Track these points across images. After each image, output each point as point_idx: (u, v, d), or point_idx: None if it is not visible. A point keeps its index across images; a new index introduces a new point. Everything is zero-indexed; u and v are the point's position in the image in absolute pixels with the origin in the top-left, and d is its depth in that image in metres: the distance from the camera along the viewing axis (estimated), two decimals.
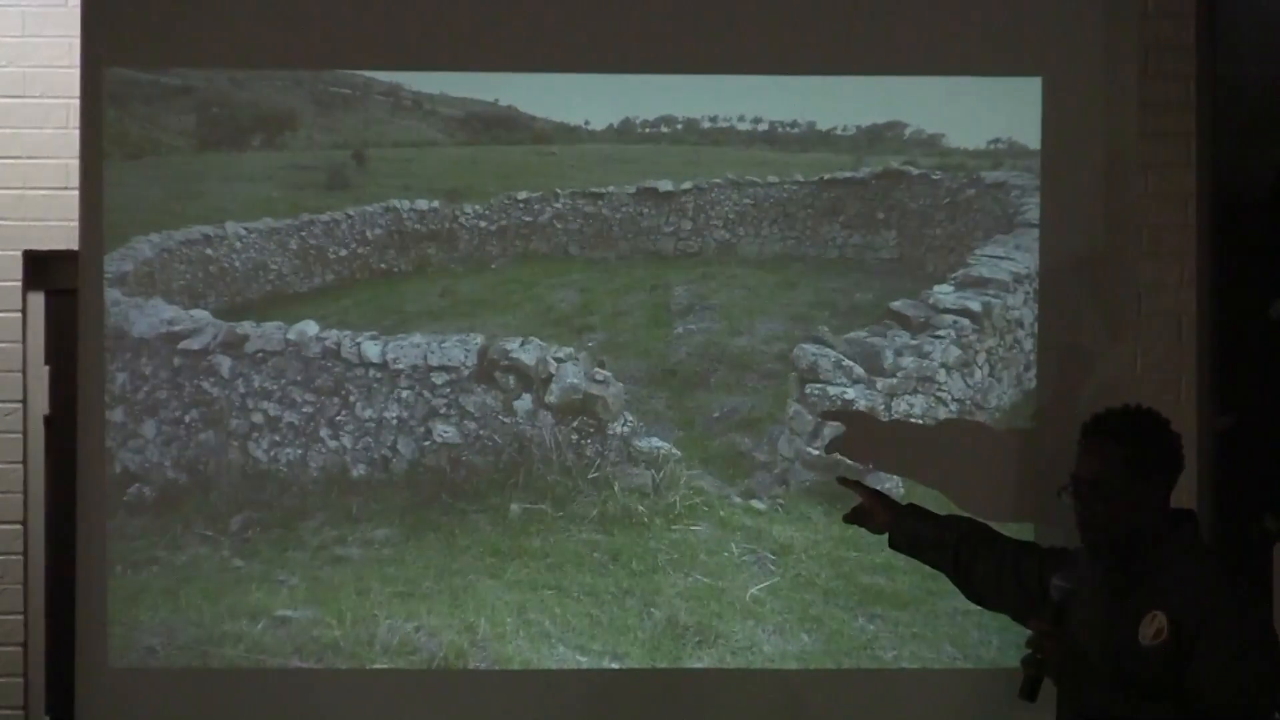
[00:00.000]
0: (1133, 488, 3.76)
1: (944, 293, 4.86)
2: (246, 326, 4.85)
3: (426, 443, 4.82)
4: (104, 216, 4.76)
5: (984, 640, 4.76)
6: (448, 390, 4.81)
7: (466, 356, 4.82)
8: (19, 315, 5.64)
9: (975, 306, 4.84)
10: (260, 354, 4.84)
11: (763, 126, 4.86)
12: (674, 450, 4.83)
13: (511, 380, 4.81)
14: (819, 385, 4.80)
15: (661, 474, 4.81)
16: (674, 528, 4.81)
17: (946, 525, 4.31)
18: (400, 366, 4.82)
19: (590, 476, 4.81)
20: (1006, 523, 4.64)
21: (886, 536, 4.34)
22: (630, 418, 4.83)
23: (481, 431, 4.81)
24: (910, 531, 4.30)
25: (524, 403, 4.80)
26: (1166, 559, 3.74)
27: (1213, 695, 3.59)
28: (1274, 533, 5.37)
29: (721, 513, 4.82)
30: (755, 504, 4.82)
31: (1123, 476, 3.75)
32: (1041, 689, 3.76)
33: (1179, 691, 3.63)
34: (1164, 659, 3.65)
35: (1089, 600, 3.81)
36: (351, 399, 4.83)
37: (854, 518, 4.38)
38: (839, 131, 4.86)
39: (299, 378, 4.83)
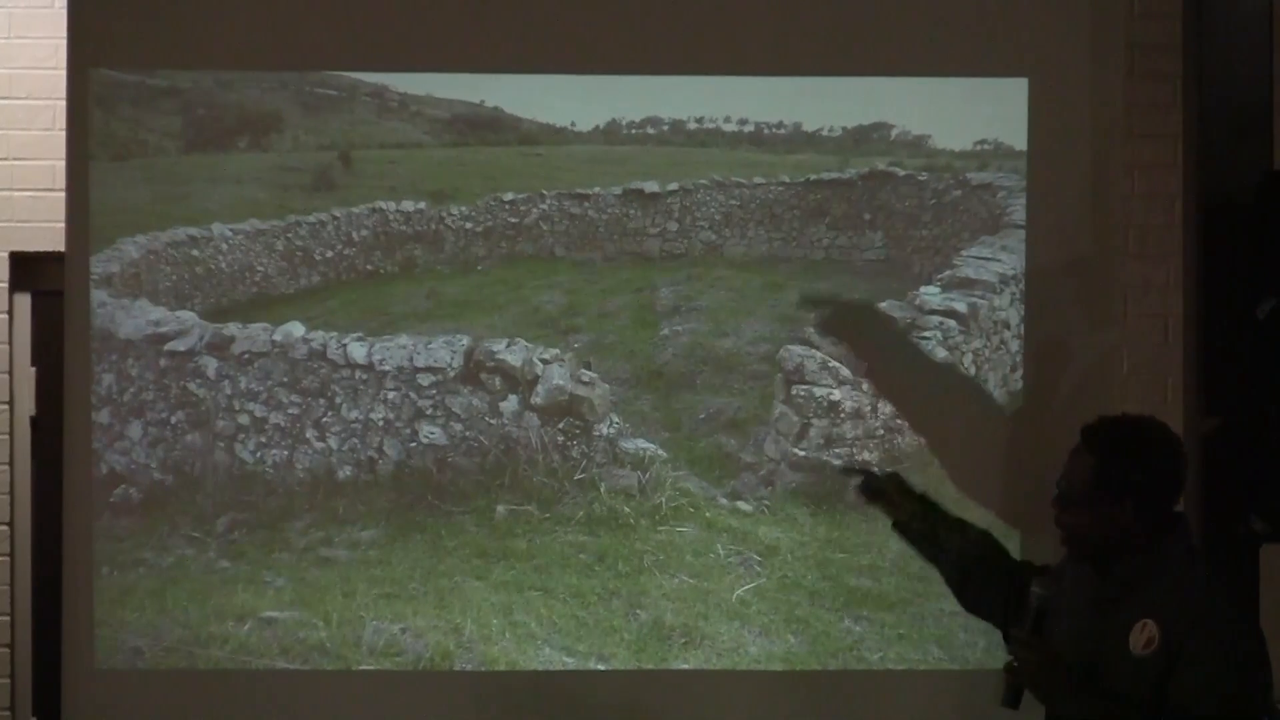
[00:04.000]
0: (1098, 500, 3.68)
1: (930, 294, 4.85)
2: (232, 328, 4.84)
3: (413, 444, 4.81)
4: (90, 218, 4.76)
5: (970, 642, 4.76)
6: (434, 391, 4.81)
7: (452, 358, 4.81)
8: (5, 317, 5.63)
9: (961, 308, 4.84)
10: (246, 355, 4.83)
11: (749, 128, 4.86)
12: (660, 451, 4.83)
13: (498, 381, 4.81)
14: (805, 386, 4.80)
15: (648, 475, 4.81)
16: (660, 529, 4.80)
17: (960, 530, 4.13)
18: (386, 368, 4.81)
19: (576, 478, 4.80)
20: (995, 523, 4.64)
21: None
22: (616, 419, 4.83)
23: (468, 433, 4.80)
24: (923, 529, 4.12)
25: (510, 404, 4.80)
26: (1157, 567, 3.67)
27: (1193, 707, 3.52)
28: (1260, 534, 5.36)
29: (707, 514, 4.82)
30: (741, 505, 4.82)
31: (1087, 488, 3.68)
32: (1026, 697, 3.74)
33: (1163, 701, 3.57)
34: (1155, 668, 3.58)
35: (1078, 610, 3.75)
36: (338, 400, 4.82)
37: (872, 496, 4.20)
38: (825, 133, 4.85)
39: (285, 379, 4.82)
